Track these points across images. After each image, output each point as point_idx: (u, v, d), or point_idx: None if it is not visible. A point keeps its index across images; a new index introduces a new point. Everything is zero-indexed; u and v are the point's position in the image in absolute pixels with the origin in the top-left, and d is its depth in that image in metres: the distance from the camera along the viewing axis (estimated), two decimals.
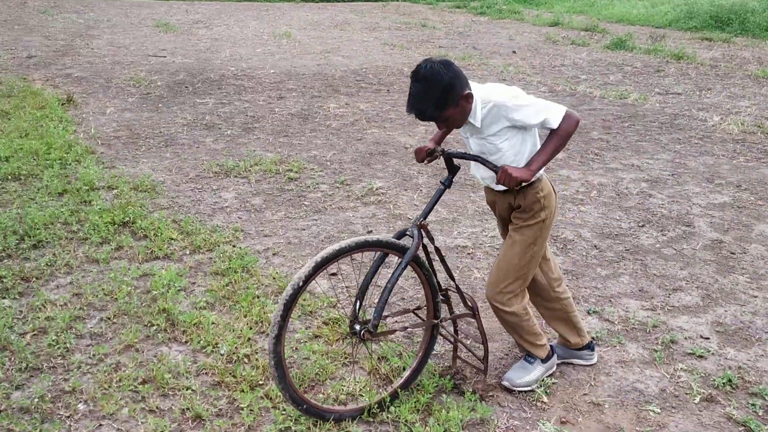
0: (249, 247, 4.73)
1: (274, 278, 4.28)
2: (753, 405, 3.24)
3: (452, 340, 3.39)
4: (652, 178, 6.61)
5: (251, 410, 3.03)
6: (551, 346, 3.41)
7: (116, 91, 9.61)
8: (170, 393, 3.17)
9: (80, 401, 3.08)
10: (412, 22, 19.89)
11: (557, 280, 3.33)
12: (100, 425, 2.94)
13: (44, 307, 3.82)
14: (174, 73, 11.06)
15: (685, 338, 3.82)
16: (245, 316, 3.80)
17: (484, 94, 2.89)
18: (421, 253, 3.11)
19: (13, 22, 16.20)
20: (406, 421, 2.99)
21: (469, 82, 2.89)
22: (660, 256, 4.88)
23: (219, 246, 4.70)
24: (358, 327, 2.94)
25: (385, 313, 3.02)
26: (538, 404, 3.22)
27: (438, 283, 3.18)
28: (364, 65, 12.48)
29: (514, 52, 14.60)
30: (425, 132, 8.06)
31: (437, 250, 3.21)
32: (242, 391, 3.16)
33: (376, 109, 9.21)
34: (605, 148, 7.59)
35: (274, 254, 4.69)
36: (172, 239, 4.76)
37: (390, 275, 2.93)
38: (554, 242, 5.03)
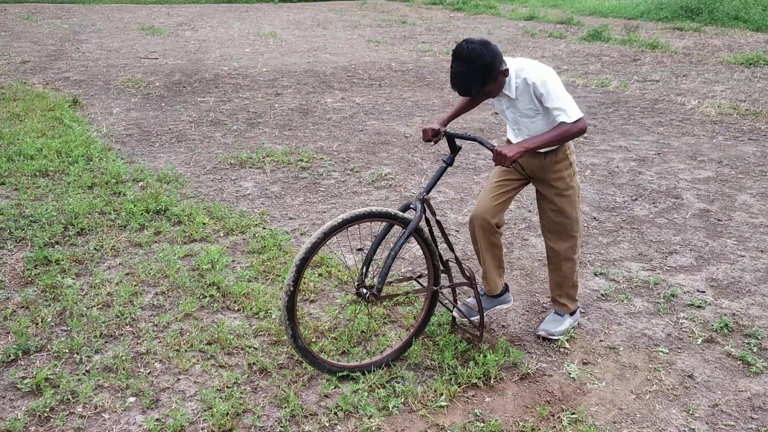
0: (278, 229, 5.09)
1: None
2: (748, 343, 3.69)
3: (450, 307, 3.69)
4: (640, 157, 7.08)
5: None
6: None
7: (117, 92, 9.88)
8: (234, 351, 3.53)
9: (156, 361, 3.43)
10: (391, 19, 20.30)
11: (502, 224, 3.64)
12: (179, 379, 3.30)
13: (103, 284, 4.16)
14: (169, 74, 11.33)
15: (684, 292, 4.27)
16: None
17: (518, 67, 3.23)
18: (425, 226, 3.40)
19: None
20: (449, 365, 3.39)
21: (504, 56, 3.20)
22: (654, 224, 5.33)
23: (250, 228, 5.06)
24: (364, 290, 3.24)
25: (390, 279, 3.36)
26: (561, 350, 3.63)
27: (439, 253, 3.46)
28: (352, 62, 12.85)
29: None
30: (421, 122, 8.46)
31: (438, 223, 3.45)
32: None
33: (371, 102, 9.59)
34: (593, 131, 8.05)
35: (302, 234, 5.05)
36: (205, 224, 5.10)
37: (394, 244, 3.21)
38: None
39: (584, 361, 3.54)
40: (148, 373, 3.33)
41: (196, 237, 4.89)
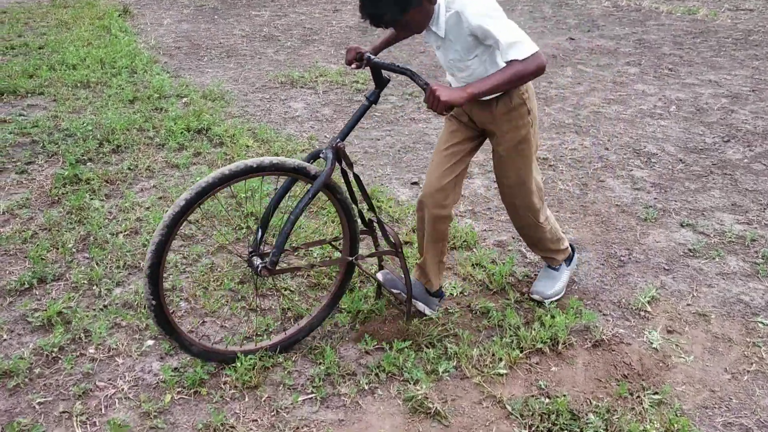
0: None
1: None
2: None
3: (373, 278, 3.08)
4: (732, 93, 6.32)
5: (349, 312, 3.00)
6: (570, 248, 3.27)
7: (169, 2, 9.44)
8: (268, 293, 3.16)
9: (182, 299, 3.09)
10: None
11: (458, 201, 2.99)
12: (204, 322, 2.95)
13: (132, 208, 3.82)
14: None
15: None
16: (333, 221, 3.75)
17: None
18: (342, 180, 2.77)
19: None
20: (510, 325, 2.94)
21: None
22: (750, 171, 4.69)
23: (296, 153, 4.63)
24: (257, 261, 2.55)
25: (297, 245, 2.76)
26: (642, 313, 3.14)
27: (360, 213, 2.83)
28: None
29: None
30: None
31: (357, 177, 2.75)
32: None
33: None
34: (679, 63, 7.27)
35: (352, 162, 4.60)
36: (248, 146, 4.69)
37: (295, 204, 2.51)
38: (638, 156, 4.86)
39: (668, 328, 3.04)
40: (171, 313, 2.98)
41: (238, 160, 4.48)
